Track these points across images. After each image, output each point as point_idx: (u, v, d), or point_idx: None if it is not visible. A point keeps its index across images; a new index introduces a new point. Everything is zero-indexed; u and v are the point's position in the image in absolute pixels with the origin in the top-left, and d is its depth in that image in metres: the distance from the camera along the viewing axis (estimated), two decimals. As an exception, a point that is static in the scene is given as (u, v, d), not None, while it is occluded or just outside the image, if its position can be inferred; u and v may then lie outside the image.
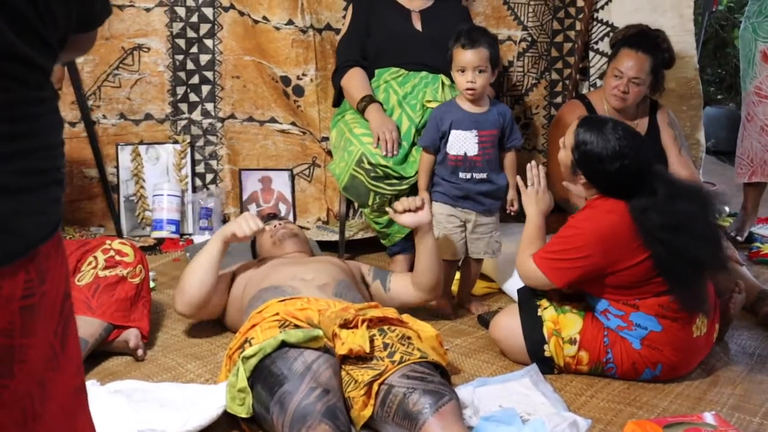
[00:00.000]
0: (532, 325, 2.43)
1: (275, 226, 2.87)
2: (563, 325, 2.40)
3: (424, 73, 3.24)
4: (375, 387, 1.93)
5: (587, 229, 2.33)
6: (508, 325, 2.49)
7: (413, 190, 3.03)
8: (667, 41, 3.20)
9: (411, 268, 3.23)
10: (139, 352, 2.42)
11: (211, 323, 2.69)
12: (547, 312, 2.43)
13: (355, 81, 3.25)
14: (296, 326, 2.09)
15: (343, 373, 2.00)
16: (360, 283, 2.64)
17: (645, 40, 3.15)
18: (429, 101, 3.12)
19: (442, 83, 3.20)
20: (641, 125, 3.26)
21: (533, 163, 2.66)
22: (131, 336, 2.42)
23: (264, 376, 1.92)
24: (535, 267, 2.39)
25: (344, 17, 3.52)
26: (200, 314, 2.57)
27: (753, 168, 3.71)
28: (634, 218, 2.27)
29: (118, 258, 2.47)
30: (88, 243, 2.54)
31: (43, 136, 0.93)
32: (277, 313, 2.16)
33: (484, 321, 2.77)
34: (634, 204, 2.29)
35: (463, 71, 2.75)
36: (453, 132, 2.79)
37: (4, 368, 0.89)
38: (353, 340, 1.98)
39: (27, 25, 0.88)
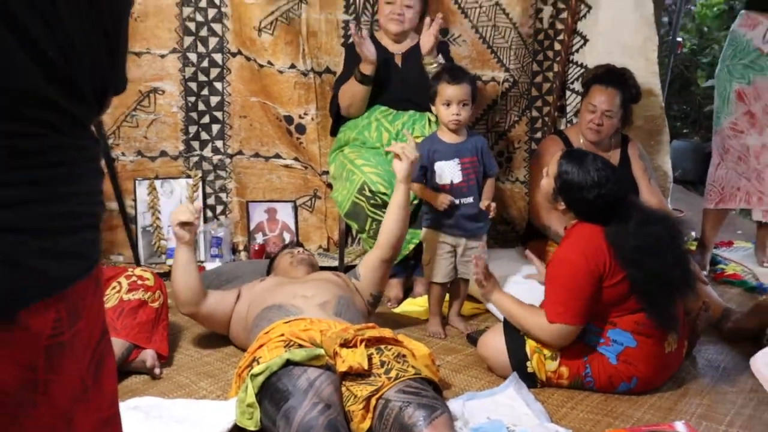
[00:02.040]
0: (515, 343, 2.44)
1: (299, 251, 2.92)
2: (545, 342, 2.40)
3: (411, 111, 3.29)
4: (373, 401, 1.94)
5: (571, 257, 2.33)
6: (494, 343, 2.50)
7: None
8: (633, 78, 3.24)
9: (404, 292, 3.26)
10: (156, 371, 2.44)
11: (221, 344, 2.70)
12: (530, 331, 2.43)
13: (347, 84, 3.30)
14: (300, 346, 2.11)
15: (344, 388, 2.02)
16: (355, 294, 2.67)
17: (613, 76, 3.20)
18: (417, 137, 3.15)
19: (429, 120, 3.25)
20: (614, 157, 3.29)
21: (474, 256, 2.59)
22: (148, 356, 2.45)
23: (271, 392, 1.94)
24: (558, 326, 2.30)
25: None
26: (201, 312, 2.58)
27: (722, 195, 3.72)
28: (610, 242, 2.30)
29: (140, 282, 2.53)
30: (114, 269, 2.61)
31: (77, 182, 0.86)
32: (283, 334, 2.18)
33: (473, 339, 2.77)
34: (609, 229, 2.32)
35: (448, 105, 2.80)
36: (437, 164, 2.83)
37: (26, 398, 0.83)
38: (353, 358, 2.00)
39: (54, 69, 0.80)
